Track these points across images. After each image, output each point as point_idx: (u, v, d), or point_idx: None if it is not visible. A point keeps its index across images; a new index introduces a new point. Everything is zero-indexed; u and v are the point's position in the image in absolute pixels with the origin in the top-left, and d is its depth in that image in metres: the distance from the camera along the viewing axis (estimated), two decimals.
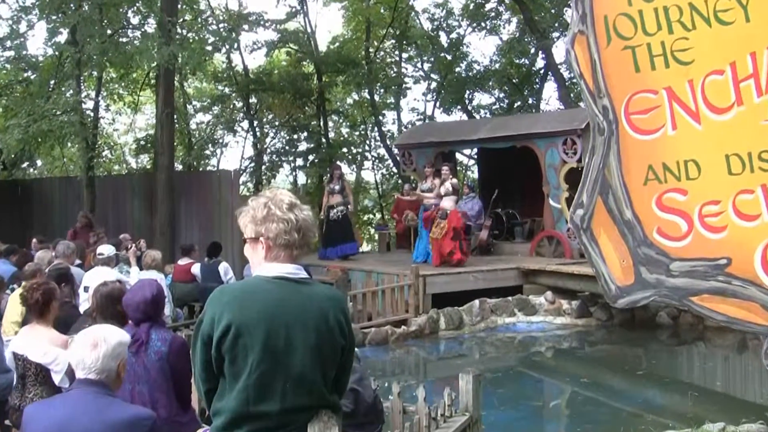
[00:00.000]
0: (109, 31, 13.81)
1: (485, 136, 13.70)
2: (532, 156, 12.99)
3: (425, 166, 13.09)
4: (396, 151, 18.61)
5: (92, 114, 15.44)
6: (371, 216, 25.43)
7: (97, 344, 2.64)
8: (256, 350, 2.21)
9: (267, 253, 2.33)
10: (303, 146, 21.35)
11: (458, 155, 20.41)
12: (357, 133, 23.70)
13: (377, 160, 23.64)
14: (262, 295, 2.28)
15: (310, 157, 20.84)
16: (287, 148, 21.17)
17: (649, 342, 9.84)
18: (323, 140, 20.94)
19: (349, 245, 13.10)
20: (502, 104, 22.48)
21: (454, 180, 11.60)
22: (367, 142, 23.52)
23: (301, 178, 23.11)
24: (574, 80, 16.97)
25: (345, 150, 21.86)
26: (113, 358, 2.64)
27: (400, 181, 20.95)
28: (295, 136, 21.40)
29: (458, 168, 23.16)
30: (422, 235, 12.41)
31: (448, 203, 11.43)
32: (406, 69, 23.16)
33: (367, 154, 23.15)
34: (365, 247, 21.17)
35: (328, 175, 14.16)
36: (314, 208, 18.22)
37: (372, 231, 23.90)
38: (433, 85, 22.64)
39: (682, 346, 9.81)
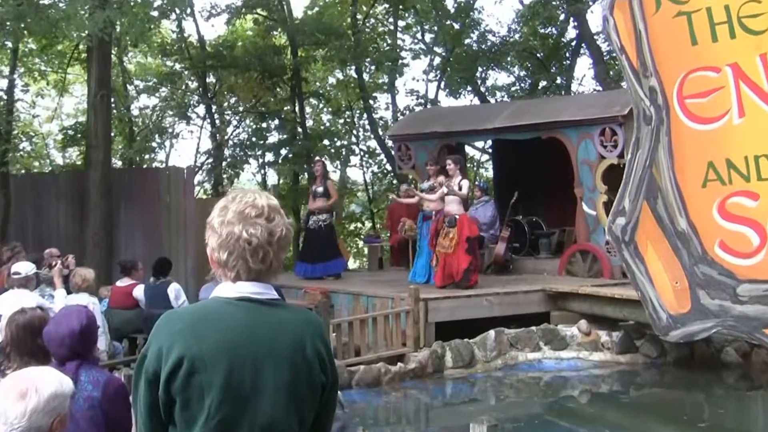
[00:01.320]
0: None
1: (502, 125, 13.75)
2: (562, 150, 13.05)
3: (427, 163, 13.14)
4: (390, 143, 18.59)
5: (6, 96, 15.40)
6: (359, 225, 25.48)
7: (26, 394, 2.55)
8: (215, 390, 2.19)
9: (213, 267, 2.38)
10: (274, 137, 21.39)
11: (468, 149, 20.43)
12: (341, 121, 23.75)
13: (366, 155, 23.72)
14: (222, 320, 2.26)
15: (283, 151, 20.87)
16: (254, 139, 21.20)
17: (713, 386, 9.81)
18: (299, 130, 20.97)
19: (333, 263, 13.13)
20: (523, 85, 22.58)
21: (464, 180, 11.61)
22: (354, 132, 23.58)
23: (272, 178, 23.12)
24: (615, 54, 17.07)
25: (326, 142, 21.90)
26: (45, 413, 2.56)
27: (395, 182, 20.97)
28: (264, 125, 21.43)
29: (468, 165, 23.29)
30: (422, 250, 12.40)
31: (454, 207, 11.47)
32: (403, 41, 23.25)
33: (354, 147, 23.22)
34: (352, 263, 21.17)
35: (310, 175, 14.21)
36: (286, 214, 18.27)
37: (360, 244, 23.93)
38: (437, 61, 22.72)
39: (755, 391, 9.76)
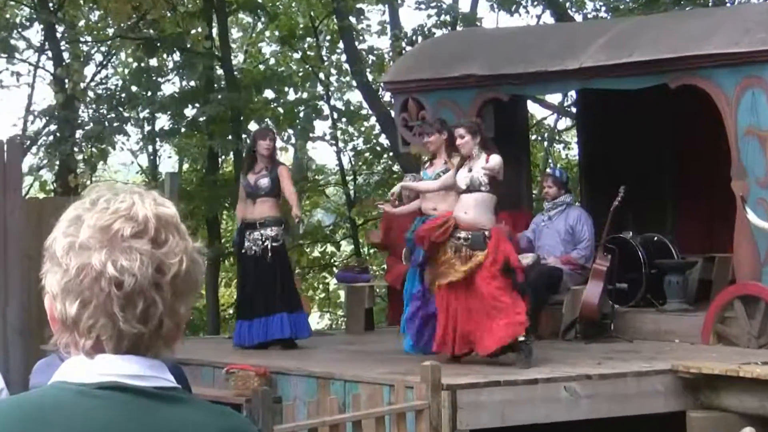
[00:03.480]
0: None
1: (595, 64, 13.73)
2: (706, 109, 13.08)
3: (431, 130, 12.84)
4: (388, 97, 18.55)
5: None
6: (329, 250, 25.42)
7: None
8: None
9: (53, 327, 2.37)
10: (172, 86, 21.45)
11: (532, 107, 20.44)
12: (297, 56, 23.78)
13: (344, 120, 23.72)
14: (71, 424, 2.26)
15: (190, 113, 20.90)
16: (135, 90, 21.21)
17: None
18: (218, 72, 21.04)
19: (290, 320, 13.20)
20: None
21: (494, 156, 11.48)
22: (322, 76, 23.59)
23: (167, 162, 23.18)
24: None
25: (269, 95, 21.94)
26: None
27: (396, 168, 20.94)
28: (155, 63, 21.42)
29: (533, 137, 23.23)
30: (413, 288, 12.51)
31: (477, 211, 11.36)
32: None
33: (321, 105, 23.23)
34: (315, 319, 21.14)
35: (246, 152, 14.13)
36: (195, 229, 18.15)
37: (331, 283, 23.85)
38: None
39: None
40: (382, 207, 13.95)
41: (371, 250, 22.25)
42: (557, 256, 13.59)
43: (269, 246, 13.03)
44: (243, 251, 13.25)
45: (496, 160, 11.37)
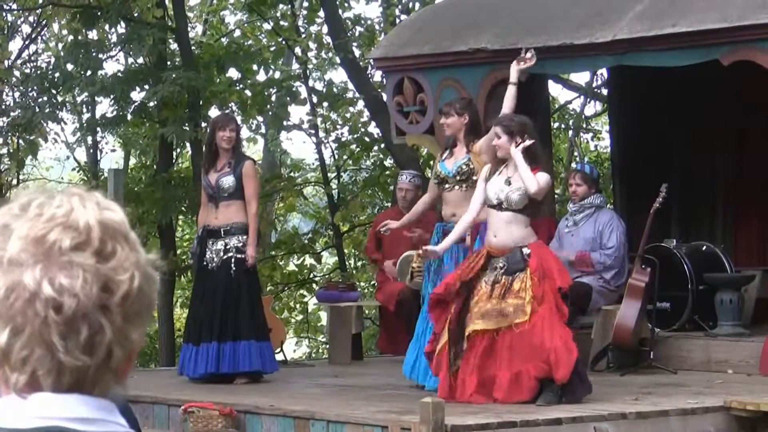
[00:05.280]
0: None
1: (631, 35, 13.73)
2: (765, 90, 13.05)
3: (449, 109, 12.80)
4: (378, 76, 18.55)
5: None
6: (308, 262, 25.34)
7: None
8: None
9: None
10: (116, 65, 21.41)
11: (553, 88, 20.48)
12: (267, 26, 23.74)
13: (325, 105, 23.69)
14: None
15: (137, 96, 20.88)
16: (71, 69, 21.16)
17: None
18: (173, 47, 21.03)
19: (253, 347, 13.18)
20: None
21: (543, 174, 11.43)
22: (298, 51, 23.55)
23: (110, 156, 23.12)
24: None
25: (234, 74, 21.94)
26: None
27: (389, 163, 20.91)
28: (94, 36, 21.37)
29: (554, 124, 23.19)
30: (425, 316, 12.40)
31: (512, 226, 11.30)
32: None
33: (297, 86, 23.19)
34: (291, 347, 21.09)
35: (205, 146, 14.12)
36: (145, 238, 18.10)
37: (312, 304, 23.77)
38: None
39: None
40: (386, 227, 13.19)
41: (359, 263, 22.21)
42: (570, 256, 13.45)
43: (233, 258, 13.06)
44: (203, 263, 13.25)
45: (543, 181, 11.32)
